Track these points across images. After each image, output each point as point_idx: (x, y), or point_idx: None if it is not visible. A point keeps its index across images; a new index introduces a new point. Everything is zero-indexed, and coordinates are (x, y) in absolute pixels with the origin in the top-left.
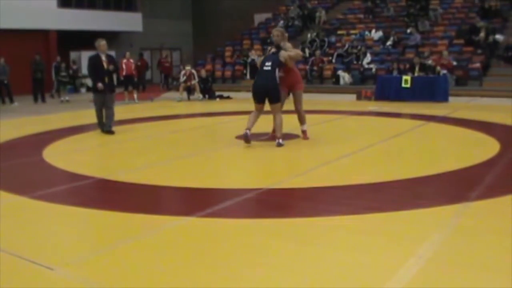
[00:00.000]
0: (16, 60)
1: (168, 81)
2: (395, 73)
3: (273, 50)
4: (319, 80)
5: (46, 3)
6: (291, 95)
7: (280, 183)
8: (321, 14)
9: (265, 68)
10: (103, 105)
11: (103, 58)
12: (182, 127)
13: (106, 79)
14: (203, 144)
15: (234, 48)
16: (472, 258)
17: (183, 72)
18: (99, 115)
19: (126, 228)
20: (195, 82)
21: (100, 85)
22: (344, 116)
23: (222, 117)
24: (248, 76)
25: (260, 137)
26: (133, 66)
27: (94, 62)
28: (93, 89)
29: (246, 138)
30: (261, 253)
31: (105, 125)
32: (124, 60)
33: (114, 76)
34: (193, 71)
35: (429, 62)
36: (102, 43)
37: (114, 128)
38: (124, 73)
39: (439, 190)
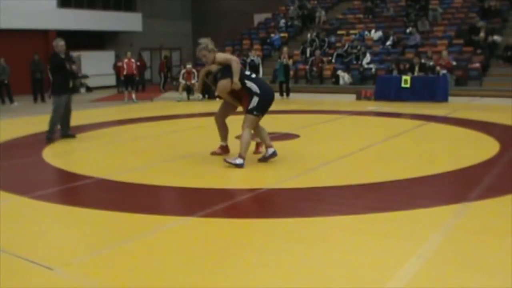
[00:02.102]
0: (16, 60)
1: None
2: (394, 73)
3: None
4: (319, 80)
5: (46, 3)
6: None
7: (280, 183)
8: (321, 14)
9: (254, 75)
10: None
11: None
12: (182, 127)
13: (71, 80)
14: (202, 144)
15: (234, 48)
16: (472, 258)
17: (183, 71)
18: (62, 118)
19: (126, 228)
20: (195, 81)
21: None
22: (344, 116)
23: None
24: None
25: None
26: (134, 66)
27: (59, 61)
28: (59, 91)
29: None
30: (261, 253)
31: (68, 129)
32: (125, 60)
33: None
34: (193, 70)
35: (431, 63)
36: (60, 43)
37: (114, 128)
38: (125, 72)
39: (439, 190)
